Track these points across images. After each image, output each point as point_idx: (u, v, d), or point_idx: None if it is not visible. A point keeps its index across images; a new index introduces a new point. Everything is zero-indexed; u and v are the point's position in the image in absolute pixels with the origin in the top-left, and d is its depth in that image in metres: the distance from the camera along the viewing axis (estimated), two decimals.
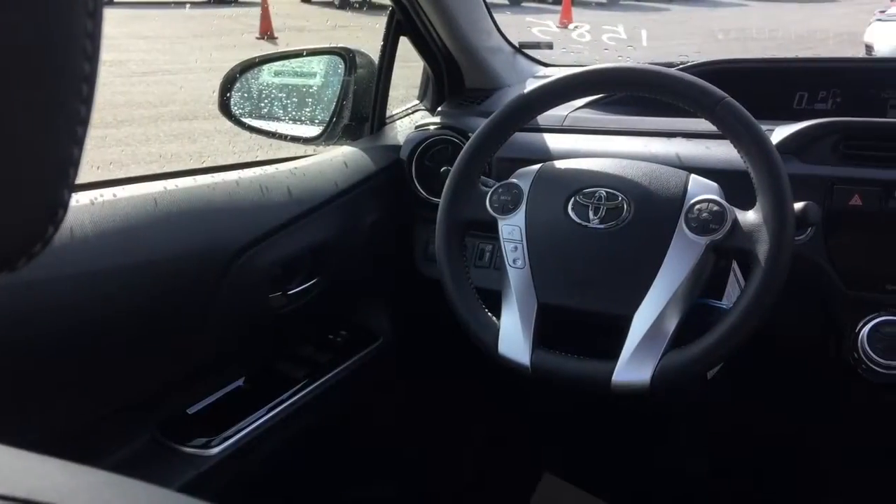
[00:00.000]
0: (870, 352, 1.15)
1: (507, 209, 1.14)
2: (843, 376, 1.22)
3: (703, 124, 1.11)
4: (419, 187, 1.51)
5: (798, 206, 1.01)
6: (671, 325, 1.01)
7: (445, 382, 1.81)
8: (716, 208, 1.02)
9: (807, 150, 1.22)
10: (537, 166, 1.18)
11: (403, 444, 1.76)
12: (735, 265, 1.17)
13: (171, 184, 1.15)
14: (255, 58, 1.57)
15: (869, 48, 5.87)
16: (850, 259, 1.18)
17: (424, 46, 1.59)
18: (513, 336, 1.08)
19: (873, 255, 1.17)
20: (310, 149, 1.57)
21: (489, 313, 1.12)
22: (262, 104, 1.62)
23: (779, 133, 1.23)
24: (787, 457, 1.75)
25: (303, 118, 1.62)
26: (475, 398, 1.90)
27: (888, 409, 1.28)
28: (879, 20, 5.83)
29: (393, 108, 1.68)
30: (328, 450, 1.50)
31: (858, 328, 1.17)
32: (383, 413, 1.69)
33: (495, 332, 1.09)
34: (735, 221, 1.01)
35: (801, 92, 1.55)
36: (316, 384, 1.37)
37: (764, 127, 1.04)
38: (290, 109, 1.64)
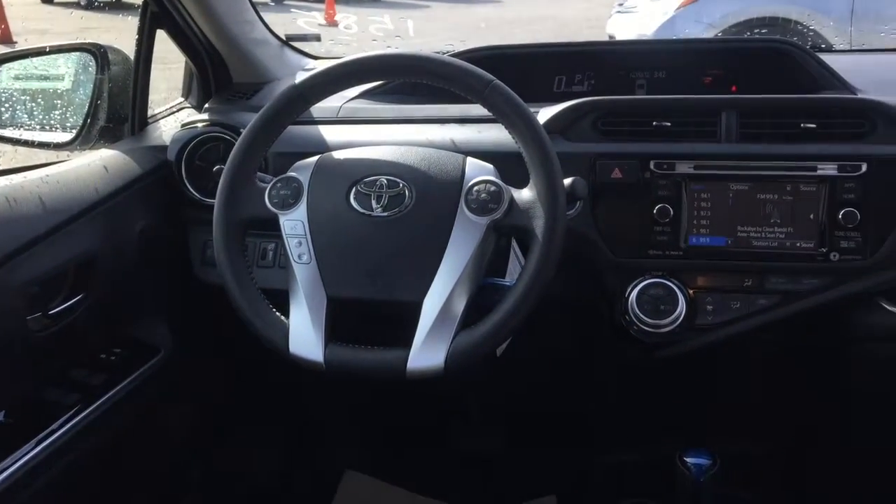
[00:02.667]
0: (639, 314, 1.25)
1: (288, 204, 1.10)
2: (618, 339, 1.31)
3: (475, 109, 1.14)
4: (191, 188, 1.44)
5: (567, 181, 1.06)
6: (460, 306, 1.03)
7: (236, 389, 1.74)
8: (493, 188, 1.05)
9: (570, 128, 1.29)
10: (315, 158, 1.15)
11: (195, 459, 1.67)
12: (514, 243, 1.22)
13: None
14: None
15: (611, 38, 6.34)
16: (616, 228, 1.26)
17: (184, 40, 1.52)
18: (303, 334, 1.05)
19: (635, 223, 1.26)
20: (63, 154, 1.44)
21: (277, 313, 1.09)
22: (3, 109, 1.49)
23: (544, 114, 1.30)
24: (577, 423, 1.85)
25: (53, 122, 1.51)
26: (269, 402, 1.84)
27: (659, 367, 1.38)
28: (619, 12, 6.32)
29: (155, 108, 1.59)
30: (110, 476, 1.39)
31: (628, 292, 1.26)
32: (171, 428, 1.59)
33: (285, 331, 1.06)
34: (512, 200, 1.05)
35: (560, 76, 1.64)
36: (90, 409, 1.27)
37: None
38: (36, 114, 1.52)
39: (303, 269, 1.07)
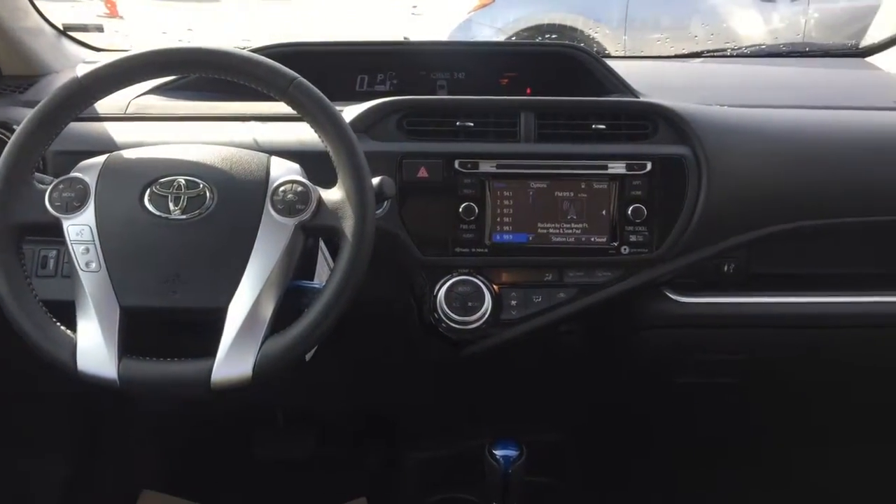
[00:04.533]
0: (448, 311, 1.26)
1: (73, 207, 1.02)
2: (427, 337, 1.32)
3: (278, 107, 1.10)
4: None
5: (375, 181, 1.06)
6: (268, 311, 0.99)
7: (13, 410, 1.59)
8: (300, 188, 1.03)
9: (375, 127, 1.29)
10: (103, 157, 1.07)
11: None
12: (322, 244, 1.19)
13: None
14: None
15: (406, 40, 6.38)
16: (423, 227, 1.27)
17: None
18: (93, 349, 0.97)
19: (441, 221, 1.27)
20: None
21: (62, 327, 1.00)
22: None
23: (348, 113, 1.28)
24: (387, 422, 1.86)
25: None
26: (52, 422, 1.70)
27: (467, 362, 1.41)
28: (413, 14, 6.41)
29: None
30: None
31: (436, 290, 1.27)
32: None
33: (72, 347, 0.98)
34: (320, 200, 1.03)
35: (362, 75, 1.63)
36: None
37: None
38: None
39: (91, 278, 0.99)
